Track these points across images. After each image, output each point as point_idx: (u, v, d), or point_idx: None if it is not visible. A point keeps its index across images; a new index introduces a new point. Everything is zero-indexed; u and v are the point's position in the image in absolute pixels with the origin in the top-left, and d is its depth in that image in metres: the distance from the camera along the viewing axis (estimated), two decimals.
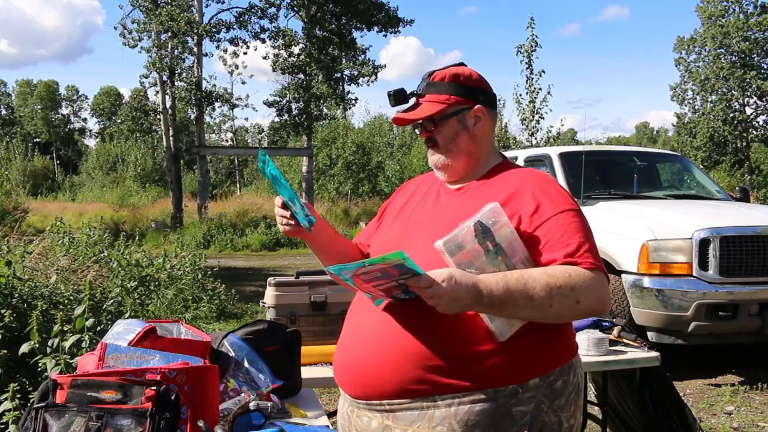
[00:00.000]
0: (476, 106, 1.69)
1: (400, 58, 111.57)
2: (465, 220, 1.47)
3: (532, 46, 12.73)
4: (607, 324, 3.07)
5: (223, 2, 20.50)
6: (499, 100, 14.37)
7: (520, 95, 13.10)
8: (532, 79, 12.86)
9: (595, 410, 3.33)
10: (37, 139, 59.19)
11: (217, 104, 21.72)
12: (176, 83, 19.94)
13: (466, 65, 1.74)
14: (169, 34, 19.07)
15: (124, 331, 1.77)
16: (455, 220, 1.52)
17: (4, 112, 62.62)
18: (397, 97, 1.71)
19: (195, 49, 19.92)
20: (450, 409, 1.49)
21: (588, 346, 2.80)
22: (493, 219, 1.48)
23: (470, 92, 1.69)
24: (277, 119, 22.26)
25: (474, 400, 1.49)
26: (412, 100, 1.72)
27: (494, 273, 1.46)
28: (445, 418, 1.49)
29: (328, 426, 1.77)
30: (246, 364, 1.97)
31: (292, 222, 1.64)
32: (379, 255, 1.37)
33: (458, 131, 1.68)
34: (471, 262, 1.46)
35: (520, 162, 6.64)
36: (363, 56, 23.98)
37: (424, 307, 1.43)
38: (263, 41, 20.88)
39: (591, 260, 1.49)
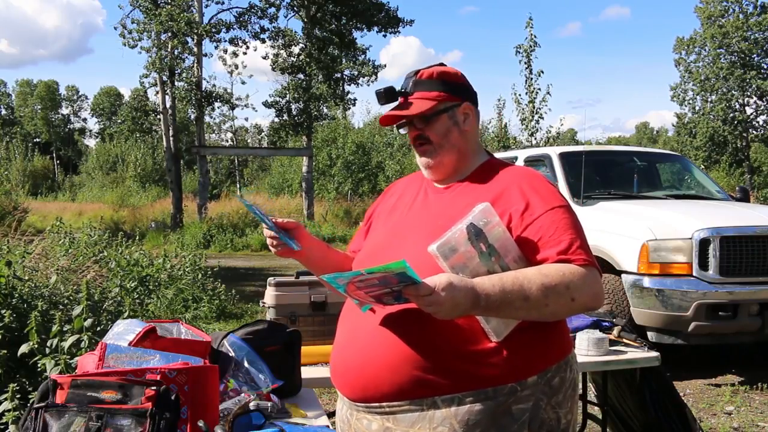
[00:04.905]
0: (464, 103, 1.70)
1: (400, 58, 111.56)
2: (457, 222, 1.47)
3: (531, 46, 12.74)
4: (607, 324, 3.07)
5: (223, 2, 20.50)
6: (499, 100, 14.45)
7: (520, 95, 13.11)
8: (532, 78, 12.87)
9: (595, 410, 3.33)
10: (37, 139, 59.17)
11: (217, 104, 21.68)
12: (176, 83, 19.92)
13: (446, 65, 1.75)
14: (169, 34, 19.04)
15: (124, 331, 1.78)
16: (445, 220, 1.52)
17: (4, 112, 62.60)
18: (387, 95, 1.69)
19: (195, 49, 19.89)
20: (450, 410, 1.49)
21: (588, 346, 2.79)
22: (484, 220, 1.47)
23: (457, 89, 1.71)
24: (276, 119, 22.24)
25: (474, 399, 1.49)
26: (398, 99, 1.72)
27: (489, 276, 1.45)
28: (446, 419, 1.49)
29: (328, 426, 1.77)
30: (246, 364, 1.97)
31: (282, 243, 1.73)
32: (370, 258, 1.36)
33: (449, 127, 1.69)
34: (465, 265, 1.45)
35: (520, 162, 6.64)
36: (363, 56, 23.98)
37: (420, 309, 1.43)
38: (263, 41, 20.89)
39: (583, 257, 1.50)
